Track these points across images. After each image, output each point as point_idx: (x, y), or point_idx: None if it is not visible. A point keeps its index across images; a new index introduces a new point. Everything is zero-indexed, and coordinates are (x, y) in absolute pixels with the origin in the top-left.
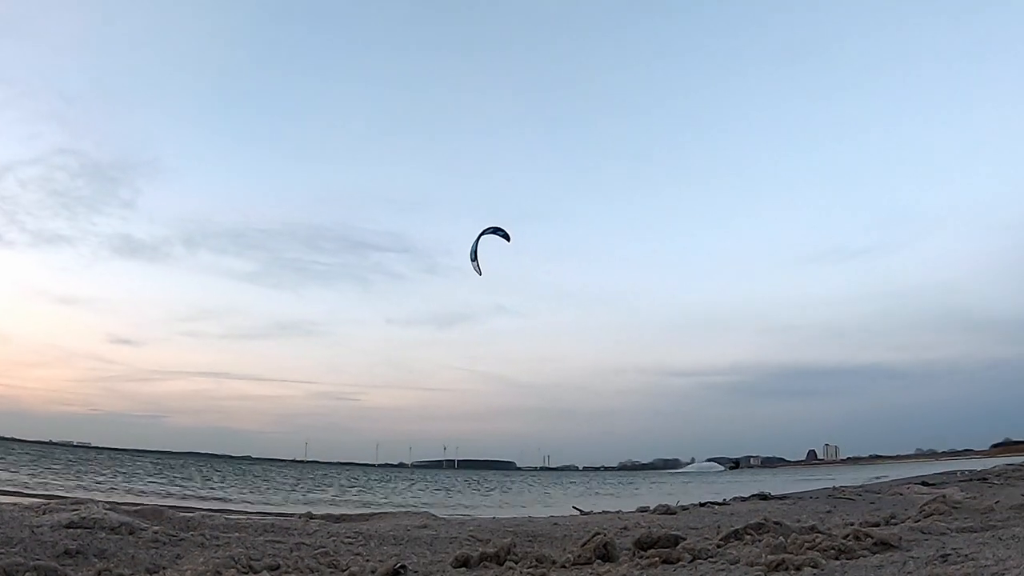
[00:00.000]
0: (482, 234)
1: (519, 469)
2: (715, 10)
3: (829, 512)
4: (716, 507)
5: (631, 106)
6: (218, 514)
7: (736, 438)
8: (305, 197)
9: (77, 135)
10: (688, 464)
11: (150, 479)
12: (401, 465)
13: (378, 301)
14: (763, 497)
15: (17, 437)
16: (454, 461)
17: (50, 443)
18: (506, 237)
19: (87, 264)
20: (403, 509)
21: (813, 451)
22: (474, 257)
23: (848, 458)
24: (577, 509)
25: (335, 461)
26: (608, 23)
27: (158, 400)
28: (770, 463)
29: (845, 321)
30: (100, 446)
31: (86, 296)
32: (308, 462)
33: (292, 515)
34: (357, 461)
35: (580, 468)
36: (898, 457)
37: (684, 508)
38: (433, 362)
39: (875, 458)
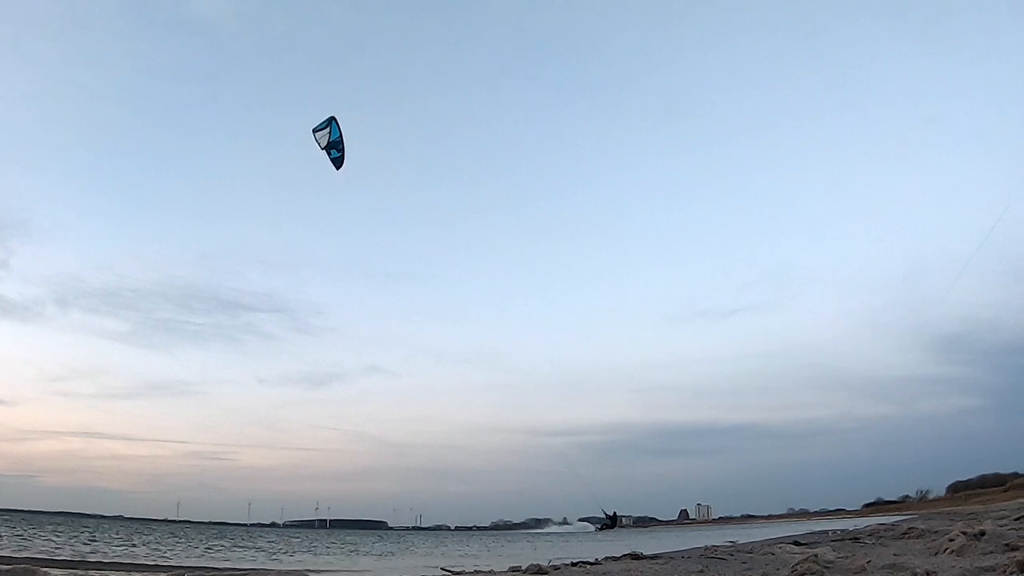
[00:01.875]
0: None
1: (392, 528)
2: (591, 65)
3: (701, 572)
4: (588, 567)
5: (505, 160)
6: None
7: (609, 497)
8: (178, 256)
9: None
10: (560, 523)
11: (21, 538)
12: (273, 524)
13: (250, 361)
14: (635, 557)
15: None
16: (326, 520)
17: None
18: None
19: None
20: (280, 567)
21: (685, 511)
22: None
23: (720, 517)
24: (446, 571)
25: (207, 520)
26: (485, 75)
27: (30, 459)
28: (643, 522)
29: (719, 381)
30: None
31: None
32: (180, 521)
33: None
34: (229, 520)
35: (452, 527)
36: (770, 517)
37: (556, 568)
38: (305, 422)
39: (747, 518)
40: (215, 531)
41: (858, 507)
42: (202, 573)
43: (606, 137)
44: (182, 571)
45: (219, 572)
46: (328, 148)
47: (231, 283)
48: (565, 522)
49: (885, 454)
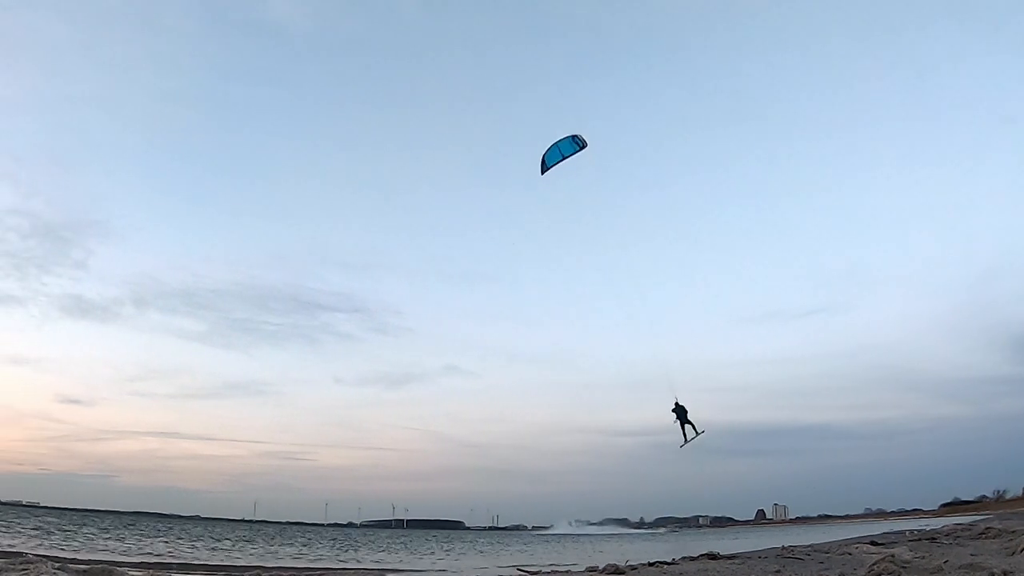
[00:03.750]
0: (563, 151)
1: (468, 529)
2: (664, 66)
3: (778, 572)
4: (665, 566)
5: (579, 163)
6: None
7: (685, 498)
8: (256, 257)
9: (28, 195)
10: (636, 523)
11: (100, 538)
12: (350, 524)
13: (327, 361)
14: (712, 557)
15: None
16: (403, 521)
17: None
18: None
19: (37, 324)
20: (358, 566)
21: (762, 511)
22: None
23: (797, 518)
24: (522, 570)
25: (284, 520)
26: (558, 76)
27: (108, 460)
28: (719, 522)
29: (791, 381)
30: (49, 506)
31: (36, 356)
32: (257, 521)
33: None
34: (306, 520)
35: (529, 527)
36: (847, 517)
37: (633, 568)
38: (382, 422)
39: (824, 518)
40: (293, 531)
41: (935, 507)
42: (278, 573)
43: (679, 138)
44: (258, 571)
45: (297, 572)
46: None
47: (309, 283)
48: (642, 522)
49: (961, 454)
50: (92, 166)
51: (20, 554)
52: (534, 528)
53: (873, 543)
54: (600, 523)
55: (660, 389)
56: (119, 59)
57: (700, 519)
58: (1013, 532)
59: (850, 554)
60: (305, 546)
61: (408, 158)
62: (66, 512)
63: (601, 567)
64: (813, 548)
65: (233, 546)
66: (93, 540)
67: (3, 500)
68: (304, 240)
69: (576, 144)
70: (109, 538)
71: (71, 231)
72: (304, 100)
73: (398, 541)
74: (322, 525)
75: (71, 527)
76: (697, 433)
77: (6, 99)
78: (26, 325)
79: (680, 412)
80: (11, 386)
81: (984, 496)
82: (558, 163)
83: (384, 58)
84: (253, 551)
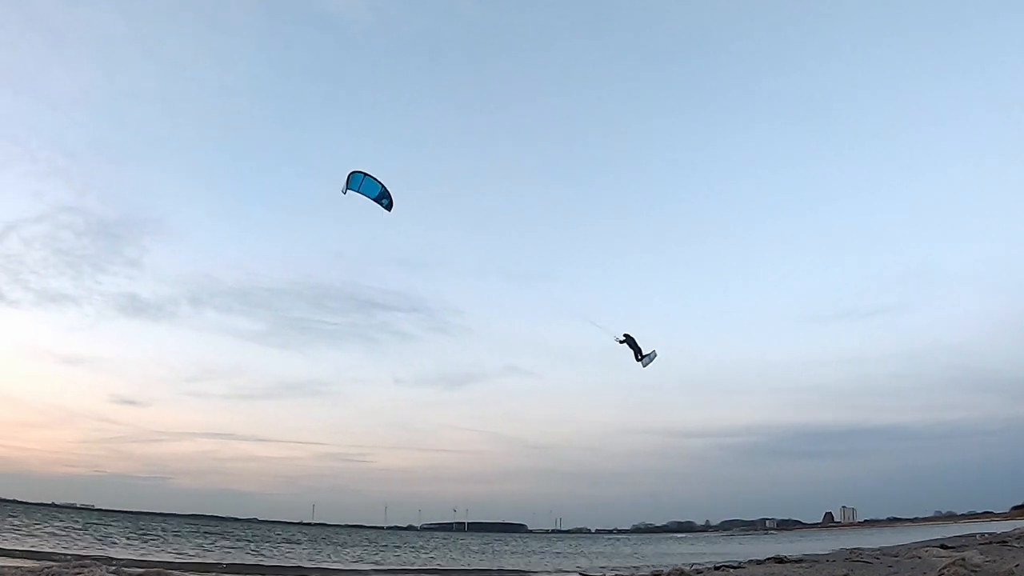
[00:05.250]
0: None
1: (531, 532)
2: (726, 62)
3: None
4: (731, 570)
5: (640, 158)
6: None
7: (751, 500)
8: (312, 255)
9: (81, 193)
10: (702, 526)
11: (155, 541)
12: (410, 527)
13: (386, 361)
14: (779, 560)
15: (20, 499)
16: (464, 524)
17: (53, 505)
18: (386, 207)
19: (92, 323)
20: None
21: (830, 513)
22: (352, 188)
23: (865, 520)
24: (585, 575)
25: (343, 523)
26: (618, 73)
27: (163, 461)
28: (786, 525)
29: (860, 382)
30: (104, 508)
31: (90, 356)
32: (315, 524)
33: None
34: (365, 523)
35: (592, 531)
36: (916, 520)
37: (699, 572)
38: (442, 423)
39: (893, 520)
40: (351, 535)
41: (1006, 509)
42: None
43: (742, 135)
44: (304, 572)
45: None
46: (378, 201)
47: (367, 282)
48: (708, 525)
49: None
50: (147, 163)
51: (76, 556)
52: (598, 531)
53: (943, 546)
54: (665, 525)
55: (725, 390)
56: (175, 54)
57: (767, 522)
58: None
59: (919, 558)
60: (366, 548)
61: (468, 154)
62: (121, 514)
63: (666, 571)
64: (881, 551)
65: (292, 546)
66: (148, 542)
67: (58, 503)
68: (362, 238)
69: (380, 197)
70: (167, 540)
71: (125, 229)
72: (363, 95)
73: (462, 543)
74: (382, 528)
75: (127, 529)
76: (650, 356)
77: (61, 95)
78: (80, 324)
79: (631, 343)
80: (65, 387)
81: None
82: (356, 189)
83: (445, 53)
84: (309, 553)
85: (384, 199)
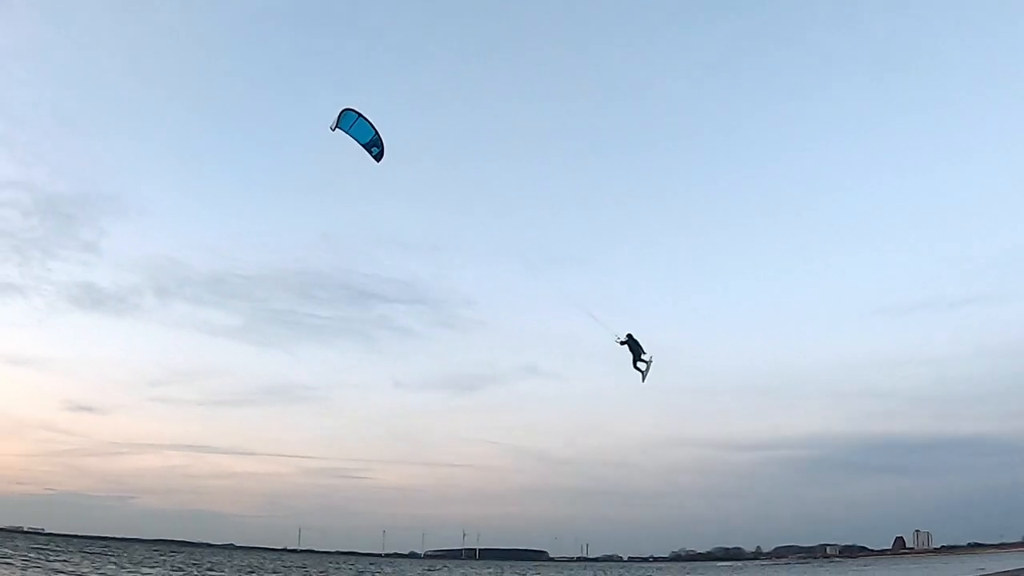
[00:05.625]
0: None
1: (553, 560)
2: (781, 19)
3: None
4: None
5: (684, 125)
6: None
7: (810, 523)
8: (300, 237)
9: (28, 164)
10: (753, 552)
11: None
12: (412, 555)
13: (385, 361)
14: None
15: None
16: (475, 551)
17: None
18: (376, 157)
19: (41, 318)
20: None
21: (901, 538)
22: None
23: (942, 547)
24: None
25: (334, 550)
26: (660, 25)
27: (124, 478)
28: (850, 552)
29: (941, 385)
30: (56, 532)
31: (40, 356)
32: (302, 551)
33: None
34: (360, 550)
35: (625, 558)
36: (1003, 546)
37: None
38: (450, 433)
39: (975, 547)
40: (343, 565)
41: None
42: None
43: (805, 95)
44: None
45: None
46: (368, 148)
47: (362, 268)
48: (759, 552)
49: None
50: (106, 130)
51: None
52: (630, 559)
53: None
54: (709, 552)
55: (783, 395)
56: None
57: (828, 548)
58: None
59: None
60: None
61: (483, 120)
62: (75, 540)
63: None
64: None
65: None
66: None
67: (1, 526)
68: (357, 217)
69: (371, 144)
70: (131, 571)
71: (80, 207)
72: (355, 48)
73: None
74: (379, 556)
75: (81, 557)
76: (648, 363)
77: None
78: (28, 319)
79: (632, 345)
80: (11, 391)
81: None
82: (346, 130)
83: (451, 9)
84: None
85: (375, 147)
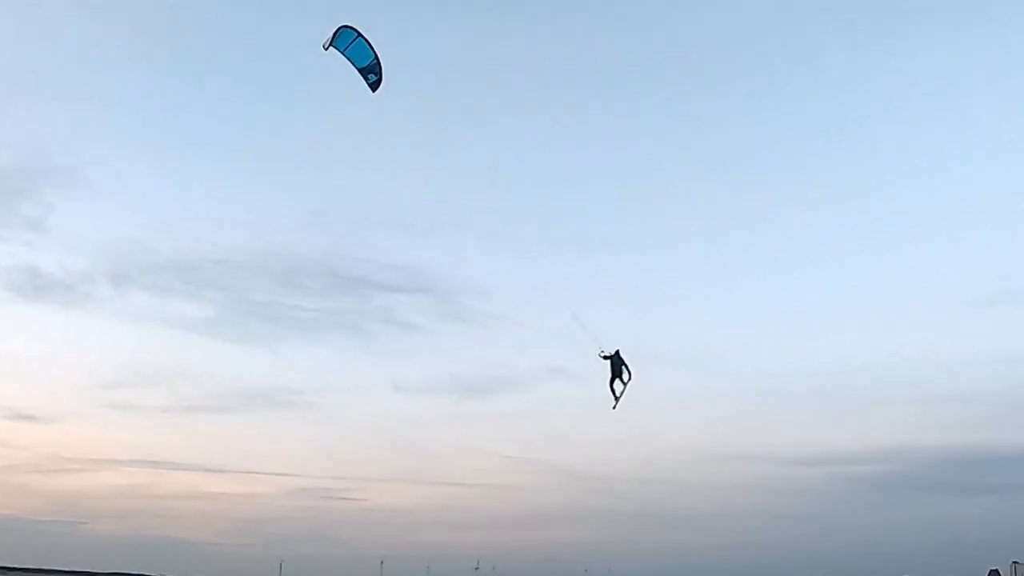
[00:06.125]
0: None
1: None
2: None
3: None
4: None
5: (732, 88)
6: None
7: (888, 552)
8: (283, 216)
9: None
10: None
11: None
12: None
13: (383, 361)
14: None
15: None
16: None
17: None
18: (372, 86)
19: None
20: None
21: (996, 571)
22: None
23: None
24: None
25: None
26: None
27: (74, 499)
28: None
29: None
30: None
31: None
32: None
33: None
34: None
35: None
36: None
37: None
38: (460, 445)
39: None
40: None
41: None
42: None
43: (871, 51)
44: None
45: None
46: (364, 73)
47: (356, 252)
48: None
49: None
50: (55, 90)
51: None
52: None
53: None
54: None
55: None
56: None
57: None
58: None
59: None
60: None
61: (494, 78)
62: (15, 573)
63: None
64: None
65: None
66: None
67: None
68: (350, 193)
69: (368, 70)
70: None
71: (24, 179)
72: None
73: None
74: None
75: None
76: (625, 384)
77: None
78: None
79: (616, 363)
80: None
81: None
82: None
83: None
84: None
85: (372, 74)
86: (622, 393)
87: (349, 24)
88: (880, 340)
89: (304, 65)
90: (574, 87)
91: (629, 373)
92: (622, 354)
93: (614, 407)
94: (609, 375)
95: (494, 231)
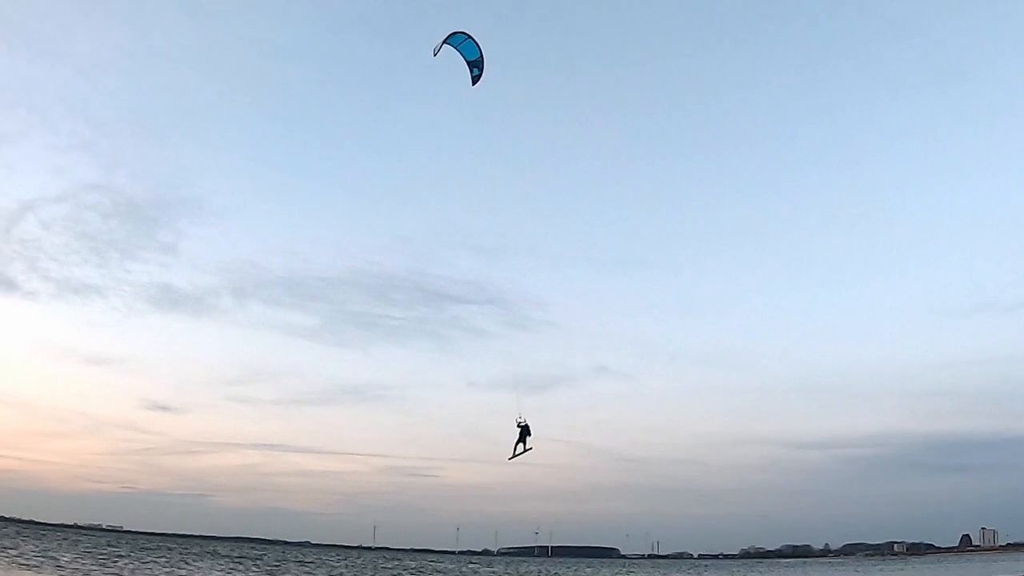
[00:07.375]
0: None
1: (624, 557)
2: (853, 17)
3: None
4: None
5: (753, 129)
6: None
7: (877, 521)
8: (375, 239)
9: (109, 168)
10: (821, 550)
11: (193, 570)
12: (486, 552)
13: (458, 361)
14: None
15: (37, 520)
16: (547, 548)
17: (75, 527)
18: (475, 79)
19: (120, 318)
20: None
21: (967, 536)
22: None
23: (1009, 544)
24: None
25: (408, 547)
26: (731, 38)
27: (202, 476)
28: (917, 550)
29: (1007, 384)
30: (134, 530)
31: (118, 355)
32: (377, 548)
33: None
34: (434, 547)
35: (695, 555)
36: None
37: None
38: None
39: None
40: (416, 561)
41: None
42: None
43: (871, 102)
44: None
45: None
46: (471, 65)
47: (436, 270)
48: (827, 549)
49: None
50: (184, 134)
51: None
52: (700, 556)
53: None
54: (778, 550)
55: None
56: (216, 8)
57: (895, 545)
58: None
59: None
60: None
61: (555, 124)
62: (154, 537)
63: None
64: None
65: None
66: (182, 571)
67: (80, 523)
68: (431, 220)
69: (474, 64)
70: (209, 568)
71: (159, 210)
72: (429, 56)
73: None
74: (453, 553)
75: (159, 555)
76: (525, 450)
77: (86, 58)
78: (107, 319)
79: (524, 432)
80: (90, 390)
81: None
82: (455, 46)
83: (528, 10)
84: None
85: (476, 68)
86: (521, 453)
87: (459, 30)
88: (871, 344)
89: (394, 111)
90: (619, 135)
91: (528, 443)
92: (531, 426)
93: (510, 459)
94: (516, 437)
95: (550, 253)
